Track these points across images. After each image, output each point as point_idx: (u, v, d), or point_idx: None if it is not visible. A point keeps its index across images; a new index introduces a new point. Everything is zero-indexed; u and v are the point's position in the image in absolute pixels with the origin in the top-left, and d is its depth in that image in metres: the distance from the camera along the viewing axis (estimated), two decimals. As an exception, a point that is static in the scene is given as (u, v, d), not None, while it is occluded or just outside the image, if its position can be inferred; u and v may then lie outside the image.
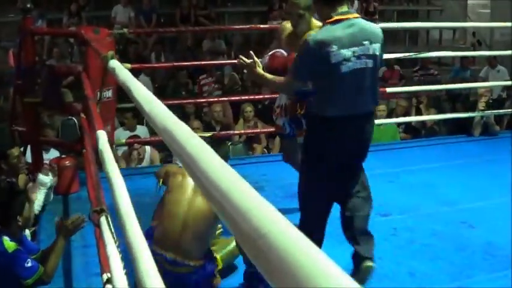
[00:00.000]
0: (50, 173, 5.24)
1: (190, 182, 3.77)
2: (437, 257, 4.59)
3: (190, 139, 1.30)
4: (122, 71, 2.85)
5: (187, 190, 3.83)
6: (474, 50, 15.17)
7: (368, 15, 15.17)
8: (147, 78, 10.44)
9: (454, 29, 16.09)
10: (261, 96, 8.77)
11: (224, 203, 0.94)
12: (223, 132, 8.07)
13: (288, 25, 4.66)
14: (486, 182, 6.26)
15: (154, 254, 2.48)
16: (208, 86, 10.95)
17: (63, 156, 6.26)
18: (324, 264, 0.70)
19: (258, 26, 11.73)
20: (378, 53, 3.82)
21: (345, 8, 3.80)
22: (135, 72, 9.70)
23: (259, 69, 4.10)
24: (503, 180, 6.11)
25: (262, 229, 0.79)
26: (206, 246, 3.89)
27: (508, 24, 8.95)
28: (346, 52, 3.69)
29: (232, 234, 0.92)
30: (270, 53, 4.63)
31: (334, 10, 3.76)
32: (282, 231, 0.76)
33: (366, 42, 3.77)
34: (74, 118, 7.37)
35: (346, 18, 3.78)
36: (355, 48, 3.72)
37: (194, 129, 7.91)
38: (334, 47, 3.65)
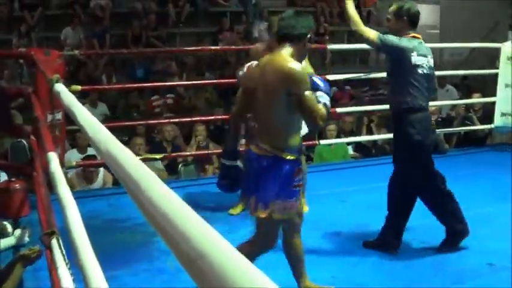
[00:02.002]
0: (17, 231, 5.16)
1: None
2: (387, 273, 4.65)
3: (133, 163, 1.31)
4: (66, 95, 2.85)
5: None
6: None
7: (319, 36, 15.32)
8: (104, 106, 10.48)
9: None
10: (212, 117, 8.79)
11: (165, 225, 0.95)
12: (174, 154, 8.07)
13: (260, 48, 5.16)
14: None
15: None
16: (160, 107, 10.97)
17: (12, 179, 6.18)
18: (261, 281, 0.71)
19: (210, 47, 11.77)
20: (432, 65, 5.04)
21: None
22: (86, 94, 9.71)
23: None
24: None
25: (202, 249, 0.80)
26: None
27: (457, 44, 9.15)
28: (421, 58, 4.91)
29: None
30: (247, 64, 4.71)
31: (412, 30, 5.03)
32: (221, 251, 0.78)
33: (429, 56, 5.01)
34: (23, 140, 7.29)
35: (418, 37, 5.06)
36: (424, 58, 4.94)
37: (138, 145, 7.92)
38: (414, 53, 4.87)
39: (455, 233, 5.11)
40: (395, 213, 5.04)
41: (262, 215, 3.78)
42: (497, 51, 8.52)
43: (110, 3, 13.53)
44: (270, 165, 3.74)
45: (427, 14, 19.37)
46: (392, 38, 4.90)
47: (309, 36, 3.81)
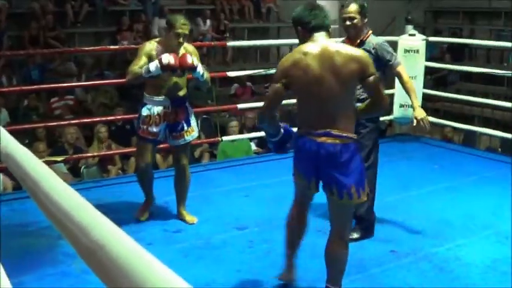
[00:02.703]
0: None
1: None
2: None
3: (32, 164, 1.30)
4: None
5: None
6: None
7: (219, 33, 15.38)
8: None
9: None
10: (113, 117, 8.70)
11: (66, 221, 0.96)
12: (75, 156, 7.95)
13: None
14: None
15: None
16: (60, 110, 10.80)
17: None
18: (157, 268, 0.74)
19: (108, 47, 11.65)
20: None
21: None
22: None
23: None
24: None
25: (101, 241, 0.82)
26: None
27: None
28: None
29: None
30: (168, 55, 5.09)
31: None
32: (119, 241, 0.80)
33: None
34: None
35: None
36: None
37: (40, 152, 7.77)
38: None
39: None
40: None
41: (364, 198, 3.96)
42: (396, 44, 8.73)
43: (6, 3, 13.21)
44: (355, 151, 3.85)
45: (327, 9, 19.64)
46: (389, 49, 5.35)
47: None
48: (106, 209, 5.69)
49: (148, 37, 14.34)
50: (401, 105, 8.35)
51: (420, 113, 5.21)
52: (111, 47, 12.09)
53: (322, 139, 3.80)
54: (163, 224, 5.51)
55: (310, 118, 3.88)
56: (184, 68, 5.17)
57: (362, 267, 4.67)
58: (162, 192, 6.22)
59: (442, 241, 5.03)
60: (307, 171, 3.98)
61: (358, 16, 5.17)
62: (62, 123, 8.66)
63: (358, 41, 5.19)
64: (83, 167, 8.59)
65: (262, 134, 9.09)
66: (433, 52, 15.29)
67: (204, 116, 12.06)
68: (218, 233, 5.21)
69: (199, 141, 10.08)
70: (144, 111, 5.38)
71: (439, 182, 6.68)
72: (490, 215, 5.32)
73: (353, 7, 5.15)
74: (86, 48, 11.20)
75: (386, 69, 5.23)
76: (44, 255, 4.85)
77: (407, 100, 8.30)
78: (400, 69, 5.33)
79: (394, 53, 5.36)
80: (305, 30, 3.97)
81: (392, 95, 8.72)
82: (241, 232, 5.21)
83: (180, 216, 5.64)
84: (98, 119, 8.84)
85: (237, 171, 7.18)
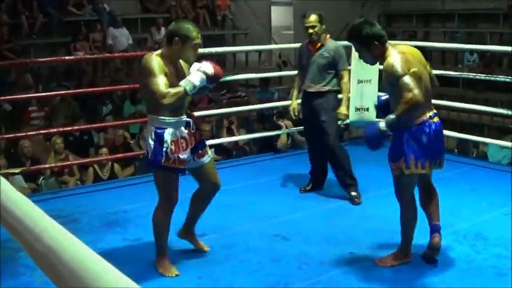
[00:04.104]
0: None
1: None
2: (254, 270, 4.72)
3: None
4: None
5: None
6: (280, 70, 15.71)
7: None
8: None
9: (260, 52, 16.59)
10: (69, 128, 8.66)
11: (19, 227, 0.98)
12: (33, 167, 7.90)
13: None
14: (295, 195, 6.60)
15: None
16: (38, 120, 10.77)
17: None
18: (108, 270, 0.76)
19: (64, 57, 11.59)
20: None
21: None
22: None
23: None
24: (311, 193, 6.64)
25: (53, 246, 0.84)
26: None
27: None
28: None
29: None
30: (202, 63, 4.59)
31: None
32: (70, 246, 0.82)
33: None
34: None
35: None
36: None
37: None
38: None
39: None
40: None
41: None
42: (350, 49, 8.80)
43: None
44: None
45: (281, 15, 19.78)
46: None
47: None
48: (64, 219, 5.72)
49: (104, 47, 14.32)
50: (357, 109, 8.44)
51: (343, 110, 6.38)
52: (67, 57, 12.01)
53: (436, 119, 4.58)
54: (122, 233, 5.50)
55: (423, 106, 4.42)
56: (220, 78, 4.72)
57: (322, 269, 4.72)
58: (121, 202, 6.24)
59: (399, 243, 5.10)
60: (438, 151, 4.65)
61: (318, 24, 6.25)
62: (18, 134, 8.56)
63: (319, 45, 6.24)
64: (41, 178, 8.54)
65: (220, 141, 9.13)
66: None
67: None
68: (177, 240, 5.21)
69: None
70: (168, 137, 4.44)
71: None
72: (448, 215, 5.39)
73: (313, 17, 6.21)
74: (42, 60, 11.11)
75: (337, 71, 6.30)
76: (4, 268, 4.81)
77: (362, 104, 8.44)
78: (344, 72, 6.40)
79: (345, 58, 6.38)
80: (381, 43, 4.51)
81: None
82: (201, 239, 5.22)
83: (190, 238, 5.15)
84: (54, 130, 8.77)
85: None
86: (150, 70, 4.30)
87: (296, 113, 6.71)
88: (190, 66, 4.55)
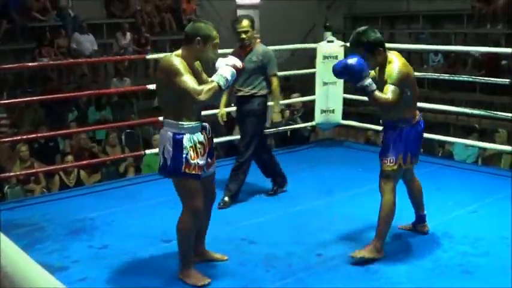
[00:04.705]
0: None
1: None
2: (221, 274, 4.70)
3: None
4: None
5: None
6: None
7: (140, 46, 15.32)
8: None
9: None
10: (34, 135, 8.58)
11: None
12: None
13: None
14: (261, 198, 6.63)
15: None
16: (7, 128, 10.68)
17: None
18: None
19: (28, 64, 11.49)
20: None
21: None
22: None
23: None
24: (277, 196, 6.67)
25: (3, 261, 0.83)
26: None
27: (277, 47, 9.41)
28: None
29: None
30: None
31: None
32: (17, 262, 0.81)
33: None
34: None
35: None
36: None
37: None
38: None
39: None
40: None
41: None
42: (315, 51, 8.83)
43: None
44: None
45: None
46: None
47: None
48: (31, 227, 5.67)
49: (70, 53, 14.23)
50: (323, 111, 8.47)
51: (276, 117, 6.57)
52: (31, 64, 11.89)
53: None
54: (88, 240, 5.45)
55: (415, 108, 5.01)
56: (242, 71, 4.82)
57: (290, 272, 4.72)
58: (87, 209, 6.20)
59: (366, 243, 5.11)
60: (420, 147, 5.21)
61: (250, 29, 6.26)
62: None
63: (249, 49, 6.32)
64: (6, 187, 8.46)
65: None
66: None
67: (128, 130, 12.00)
68: (145, 246, 5.19)
69: (122, 156, 10.05)
70: (187, 142, 4.33)
71: (362, 185, 6.78)
72: (413, 214, 5.44)
73: (245, 22, 6.22)
74: (6, 66, 10.99)
75: (266, 76, 6.41)
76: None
77: (328, 106, 8.47)
78: (273, 78, 6.45)
79: (274, 62, 6.48)
80: (384, 49, 4.78)
81: (313, 102, 8.84)
82: (169, 244, 5.21)
83: (206, 256, 4.97)
84: (18, 137, 8.68)
85: (162, 184, 7.14)
86: (176, 70, 4.24)
87: (224, 119, 6.76)
88: (210, 65, 4.59)
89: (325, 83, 8.59)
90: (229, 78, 4.33)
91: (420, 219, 5.44)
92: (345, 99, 8.82)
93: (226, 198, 6.35)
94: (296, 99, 10.54)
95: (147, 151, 8.15)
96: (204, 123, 4.51)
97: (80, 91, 11.33)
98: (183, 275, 4.55)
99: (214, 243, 5.27)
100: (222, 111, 6.67)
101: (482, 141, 9.50)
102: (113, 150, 10.80)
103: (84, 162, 8.78)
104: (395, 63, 4.70)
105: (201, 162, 4.39)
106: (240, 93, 6.46)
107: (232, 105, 7.07)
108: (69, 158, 9.19)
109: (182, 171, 4.34)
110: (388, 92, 4.58)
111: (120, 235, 5.58)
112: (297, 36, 14.74)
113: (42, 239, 5.45)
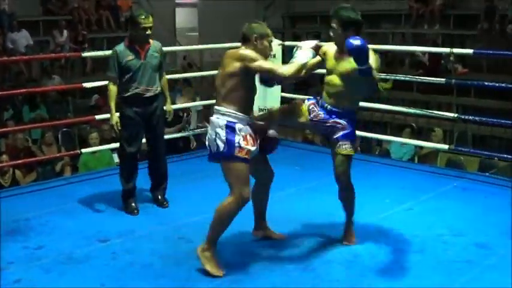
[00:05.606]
0: None
1: None
2: (159, 275, 4.67)
3: None
4: None
5: None
6: (185, 72, 15.64)
7: (77, 44, 15.15)
8: None
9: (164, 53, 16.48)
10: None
11: None
12: None
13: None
14: (198, 197, 6.50)
15: None
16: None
17: None
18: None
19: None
20: None
21: None
22: None
23: None
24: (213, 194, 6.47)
25: None
26: None
27: (216, 45, 9.43)
28: None
29: None
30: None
31: None
32: None
33: None
34: None
35: None
36: None
37: None
38: None
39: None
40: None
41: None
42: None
43: None
44: None
45: (186, 17, 19.73)
46: None
47: None
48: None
49: (4, 50, 13.99)
50: (261, 109, 8.48)
51: (169, 107, 6.43)
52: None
53: None
54: (23, 241, 5.36)
55: None
56: None
57: (226, 270, 4.67)
58: (22, 210, 6.10)
59: (304, 241, 5.13)
60: None
61: (152, 25, 6.09)
62: None
63: (149, 45, 6.12)
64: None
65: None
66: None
67: (64, 129, 11.85)
68: (80, 246, 5.13)
69: (58, 155, 9.92)
70: (240, 127, 4.60)
71: (300, 183, 6.82)
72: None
73: (151, 18, 6.08)
74: None
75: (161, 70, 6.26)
76: None
77: (266, 104, 8.48)
78: (164, 73, 6.37)
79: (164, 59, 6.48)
80: (357, 29, 5.20)
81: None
82: (104, 244, 5.16)
83: (266, 233, 5.34)
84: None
85: (98, 183, 7.08)
86: (251, 56, 4.61)
87: (119, 127, 6.13)
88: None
89: (263, 82, 8.60)
90: (309, 55, 5.01)
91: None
92: (283, 98, 8.85)
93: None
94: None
95: (84, 150, 8.05)
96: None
97: (16, 89, 11.13)
98: (203, 256, 4.67)
99: (151, 242, 5.23)
100: (115, 118, 6.09)
101: (419, 139, 9.63)
102: (49, 149, 10.64)
103: (20, 161, 8.64)
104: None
105: (253, 148, 4.65)
106: (149, 93, 6.07)
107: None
108: (4, 157, 9.02)
109: (235, 154, 4.57)
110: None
111: (55, 235, 5.51)
112: (234, 36, 14.73)
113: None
